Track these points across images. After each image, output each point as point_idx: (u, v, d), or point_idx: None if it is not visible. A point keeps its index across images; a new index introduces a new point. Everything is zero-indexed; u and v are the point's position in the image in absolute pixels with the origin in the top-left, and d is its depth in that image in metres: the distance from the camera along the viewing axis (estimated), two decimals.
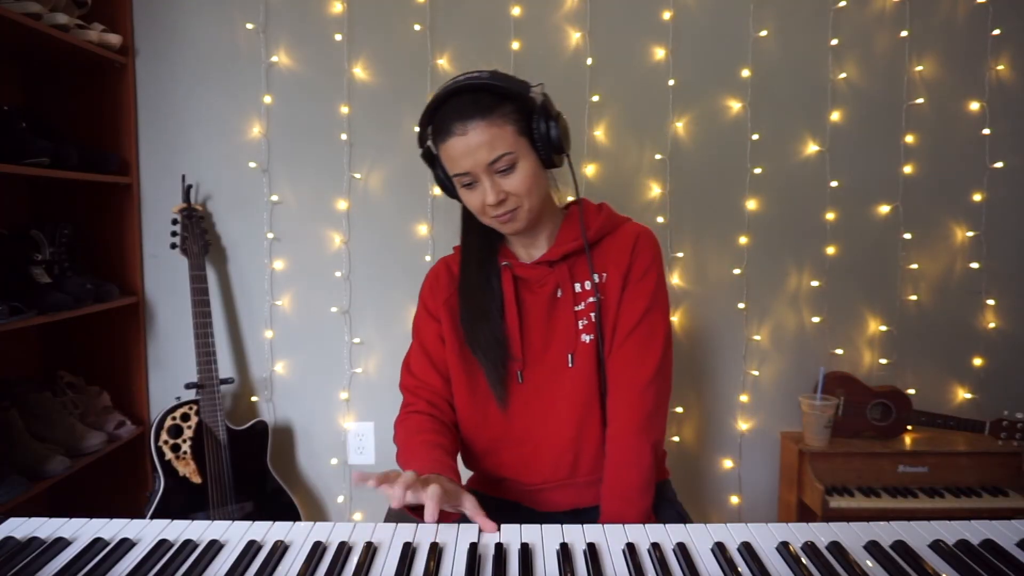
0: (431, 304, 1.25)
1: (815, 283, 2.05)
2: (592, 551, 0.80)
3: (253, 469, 1.95)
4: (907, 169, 2.02)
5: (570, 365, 1.17)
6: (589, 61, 1.99)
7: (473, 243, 1.22)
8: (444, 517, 0.91)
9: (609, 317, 1.16)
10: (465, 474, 1.19)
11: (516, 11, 1.98)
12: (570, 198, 1.28)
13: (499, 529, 0.88)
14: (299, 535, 0.85)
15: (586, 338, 1.16)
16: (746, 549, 0.80)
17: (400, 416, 1.22)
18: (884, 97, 2.00)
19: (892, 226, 2.04)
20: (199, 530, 0.86)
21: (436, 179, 1.17)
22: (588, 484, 1.18)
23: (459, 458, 1.21)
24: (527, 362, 1.18)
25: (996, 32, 1.97)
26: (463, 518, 0.93)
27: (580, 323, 1.17)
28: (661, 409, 1.15)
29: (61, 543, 0.83)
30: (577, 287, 1.18)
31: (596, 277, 1.17)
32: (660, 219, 2.03)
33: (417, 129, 1.14)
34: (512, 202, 1.09)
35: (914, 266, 2.04)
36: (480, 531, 0.87)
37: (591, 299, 1.17)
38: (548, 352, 1.18)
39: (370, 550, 0.81)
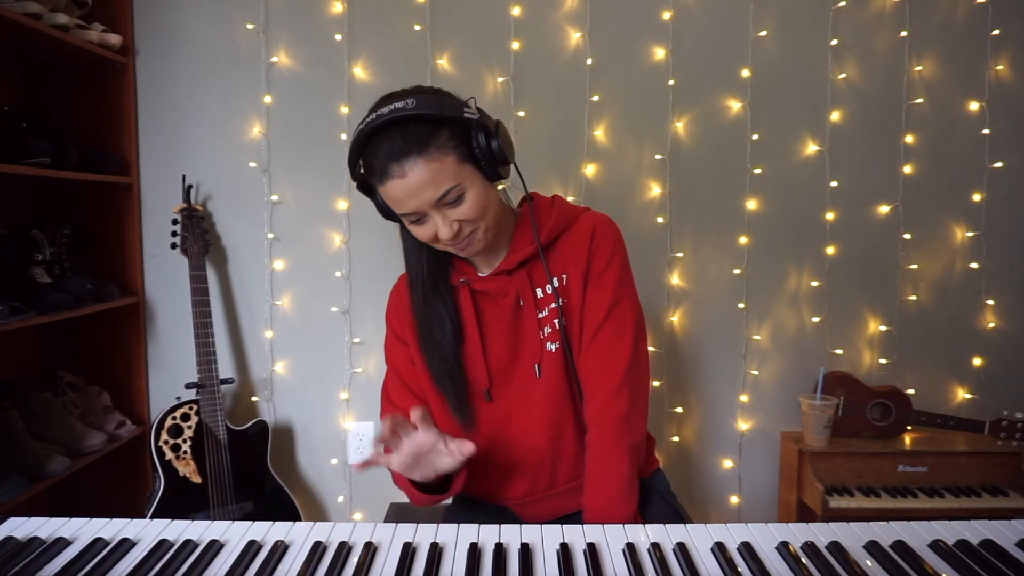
0: (397, 327, 1.21)
1: (815, 283, 2.05)
2: (592, 551, 0.80)
3: (253, 469, 1.95)
4: (907, 169, 2.02)
5: (538, 376, 1.13)
6: (589, 61, 1.99)
7: (415, 264, 1.15)
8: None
9: (574, 321, 1.12)
10: None
11: (516, 11, 1.98)
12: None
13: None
14: (299, 535, 0.85)
15: (551, 346, 1.12)
16: (746, 549, 0.80)
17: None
18: (884, 97, 2.00)
19: (892, 226, 2.04)
20: (199, 530, 0.86)
21: (376, 207, 1.08)
22: (569, 491, 1.16)
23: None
24: (494, 379, 1.14)
25: (996, 32, 1.97)
26: (461, 516, 0.93)
27: (544, 331, 1.12)
28: (638, 408, 1.11)
29: (61, 543, 0.83)
30: (539, 292, 1.13)
31: (556, 281, 1.12)
32: (660, 219, 2.04)
33: (348, 166, 1.05)
34: (467, 228, 1.03)
35: (914, 266, 2.04)
36: (480, 531, 0.86)
37: (553, 305, 1.12)
38: (517, 364, 1.14)
39: (370, 550, 0.81)
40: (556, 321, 1.11)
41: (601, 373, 1.10)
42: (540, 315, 1.12)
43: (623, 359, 1.09)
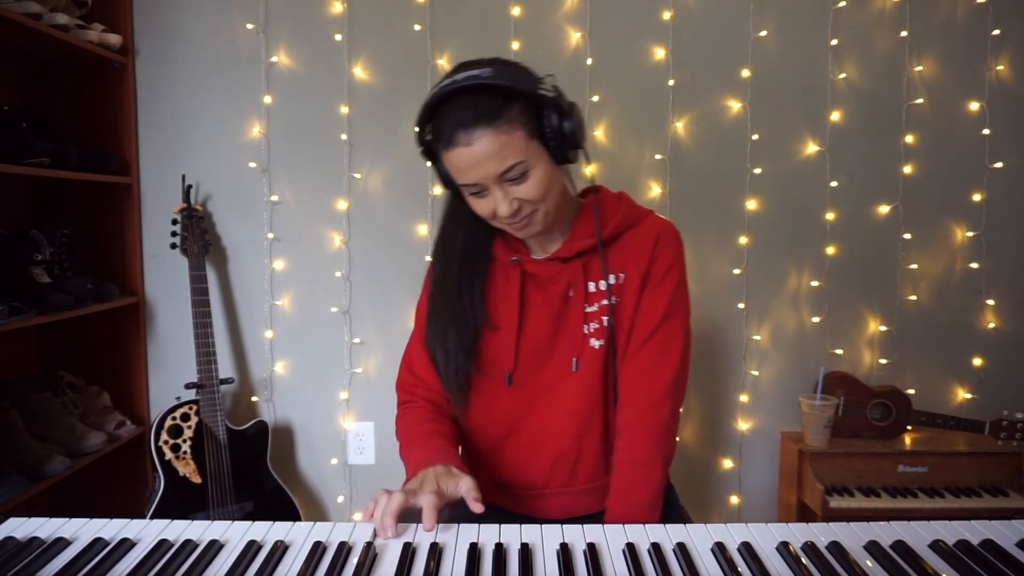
0: None
1: (815, 283, 2.05)
2: (592, 551, 0.80)
3: (253, 469, 1.95)
4: (907, 169, 2.02)
5: (574, 370, 1.10)
6: (589, 61, 1.99)
7: (457, 235, 1.12)
8: (444, 509, 0.92)
9: (624, 322, 1.09)
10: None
11: (516, 11, 1.98)
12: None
13: (496, 521, 0.88)
14: (299, 535, 0.85)
15: (595, 343, 1.09)
16: (746, 549, 0.80)
17: (399, 412, 1.20)
18: (884, 97, 2.00)
19: (892, 226, 2.04)
20: (199, 530, 0.86)
21: (438, 175, 1.07)
22: (586, 492, 1.15)
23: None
24: (520, 364, 1.12)
25: (996, 32, 1.97)
26: (463, 518, 0.93)
27: (590, 326, 1.10)
28: (675, 422, 1.09)
29: (61, 543, 0.83)
30: (591, 287, 1.10)
31: (612, 278, 1.09)
32: None
33: (416, 129, 1.06)
34: (527, 208, 1.01)
35: (914, 266, 2.04)
36: (480, 531, 0.86)
37: (604, 301, 1.09)
38: (552, 354, 1.12)
39: (370, 550, 0.81)
40: (604, 319, 1.09)
41: (645, 380, 1.08)
42: (588, 309, 1.10)
43: (670, 370, 1.08)
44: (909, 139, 2.01)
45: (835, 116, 2.01)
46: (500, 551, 0.80)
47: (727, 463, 2.11)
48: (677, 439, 2.08)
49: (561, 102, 0.99)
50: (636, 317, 1.09)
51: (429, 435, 1.08)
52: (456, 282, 1.11)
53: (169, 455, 1.85)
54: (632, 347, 1.09)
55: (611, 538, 0.84)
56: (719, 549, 0.80)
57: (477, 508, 0.90)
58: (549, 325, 1.11)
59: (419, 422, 1.13)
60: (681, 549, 0.81)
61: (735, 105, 2.01)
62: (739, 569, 0.77)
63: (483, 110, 0.94)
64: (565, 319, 1.11)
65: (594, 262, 1.10)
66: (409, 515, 0.93)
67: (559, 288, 1.10)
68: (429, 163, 1.07)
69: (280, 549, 0.81)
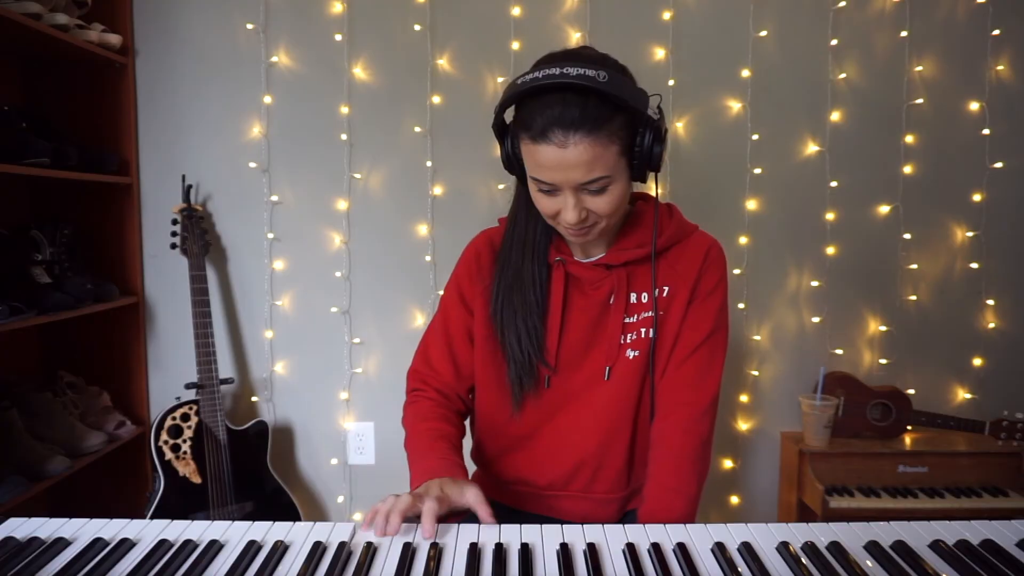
0: (467, 291, 1.14)
1: (815, 283, 2.05)
2: (592, 551, 0.80)
3: (253, 469, 1.95)
4: (907, 169, 2.02)
5: (606, 379, 1.09)
6: None
7: (531, 227, 1.09)
8: (447, 519, 0.91)
9: (666, 337, 1.07)
10: (471, 468, 1.19)
11: (516, 11, 1.98)
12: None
13: (498, 524, 0.88)
14: (299, 535, 0.85)
15: (631, 353, 1.07)
16: (746, 549, 0.80)
17: (408, 400, 1.18)
18: (884, 97, 2.00)
19: (892, 226, 2.04)
20: (199, 530, 0.86)
21: (503, 154, 1.02)
22: (606, 501, 1.13)
23: (468, 455, 1.18)
24: (560, 367, 1.10)
25: (996, 32, 1.97)
26: (468, 518, 0.92)
27: (628, 336, 1.08)
28: (712, 438, 1.08)
29: (61, 543, 0.83)
30: (632, 297, 1.08)
31: (656, 291, 1.07)
32: None
33: (499, 106, 0.97)
34: (592, 219, 0.98)
35: (914, 266, 2.04)
36: (480, 531, 0.86)
37: (647, 314, 1.07)
38: (585, 360, 1.10)
39: (370, 550, 0.81)
40: (643, 331, 1.07)
41: (687, 395, 1.07)
42: (627, 320, 1.08)
43: (712, 387, 1.07)
44: (909, 139, 2.01)
45: (835, 116, 2.01)
46: (500, 551, 0.80)
47: (727, 463, 2.11)
48: None
49: (662, 125, 0.96)
50: (681, 332, 1.07)
51: (435, 438, 1.07)
52: (531, 274, 1.08)
53: (169, 455, 1.85)
54: (674, 362, 1.07)
55: (611, 538, 0.84)
56: (719, 549, 0.80)
57: (490, 521, 0.88)
58: (586, 331, 1.09)
59: (427, 419, 1.11)
60: (681, 549, 0.81)
61: (735, 105, 2.01)
62: (739, 569, 0.77)
63: (590, 116, 0.89)
64: (603, 326, 1.09)
65: (639, 272, 1.08)
66: (408, 516, 0.93)
67: (600, 294, 1.08)
68: (498, 141, 1.02)
69: (280, 549, 0.81)
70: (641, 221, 1.10)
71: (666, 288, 1.08)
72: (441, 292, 1.46)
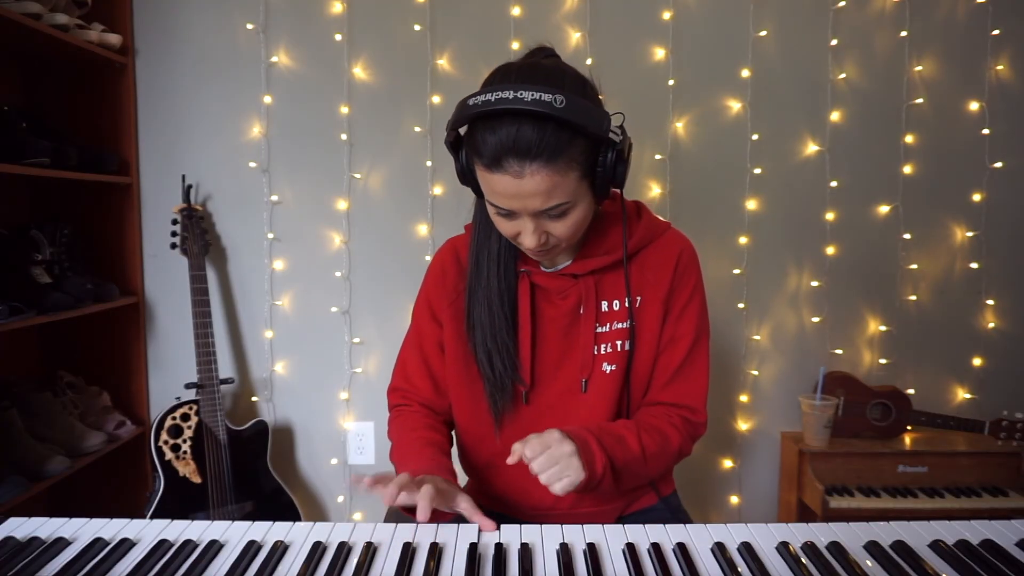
0: (435, 303, 1.11)
1: (815, 283, 2.05)
2: (592, 551, 0.80)
3: (253, 469, 1.95)
4: (907, 169, 2.02)
5: (583, 391, 1.05)
6: (589, 61, 1.99)
7: (494, 239, 1.04)
8: (438, 516, 0.90)
9: (642, 347, 1.04)
10: (463, 478, 1.18)
11: (516, 11, 1.98)
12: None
13: (498, 528, 0.87)
14: (299, 535, 0.85)
15: (607, 367, 1.04)
16: (746, 549, 0.80)
17: (392, 415, 1.16)
18: (884, 97, 2.00)
19: (892, 226, 2.04)
20: (199, 530, 0.86)
21: (458, 169, 0.95)
22: (595, 514, 1.10)
23: (458, 461, 1.16)
24: (536, 382, 1.06)
25: (996, 32, 1.97)
26: (459, 518, 0.92)
27: (602, 348, 1.04)
28: (701, 433, 1.09)
29: (61, 543, 0.83)
30: (604, 306, 1.04)
31: (629, 300, 1.03)
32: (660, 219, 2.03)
33: (451, 125, 0.91)
34: (553, 241, 0.95)
35: (914, 266, 2.04)
36: (480, 531, 0.87)
37: (620, 324, 1.03)
38: (560, 372, 1.06)
39: (370, 550, 0.81)
40: (619, 343, 1.04)
41: (684, 402, 1.06)
42: (600, 329, 1.04)
43: (703, 384, 1.07)
44: (909, 139, 2.01)
45: (835, 116, 2.01)
46: (500, 551, 0.80)
47: (727, 463, 2.11)
48: None
49: (624, 146, 0.91)
50: (662, 346, 1.05)
51: (424, 444, 1.04)
52: (497, 289, 1.04)
53: (169, 455, 1.85)
54: (657, 383, 1.06)
55: (611, 538, 0.84)
56: (719, 549, 0.80)
57: (488, 525, 0.87)
58: (557, 341, 1.06)
59: (414, 428, 1.09)
60: (681, 549, 0.81)
61: (735, 105, 2.01)
62: (739, 569, 0.77)
63: (547, 145, 0.84)
64: (574, 336, 1.05)
65: (608, 280, 1.05)
66: (406, 516, 0.93)
67: (568, 304, 1.05)
68: (452, 155, 0.97)
69: (280, 549, 0.81)
70: (608, 224, 1.05)
71: (639, 298, 1.04)
72: None
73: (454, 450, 1.16)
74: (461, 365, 1.09)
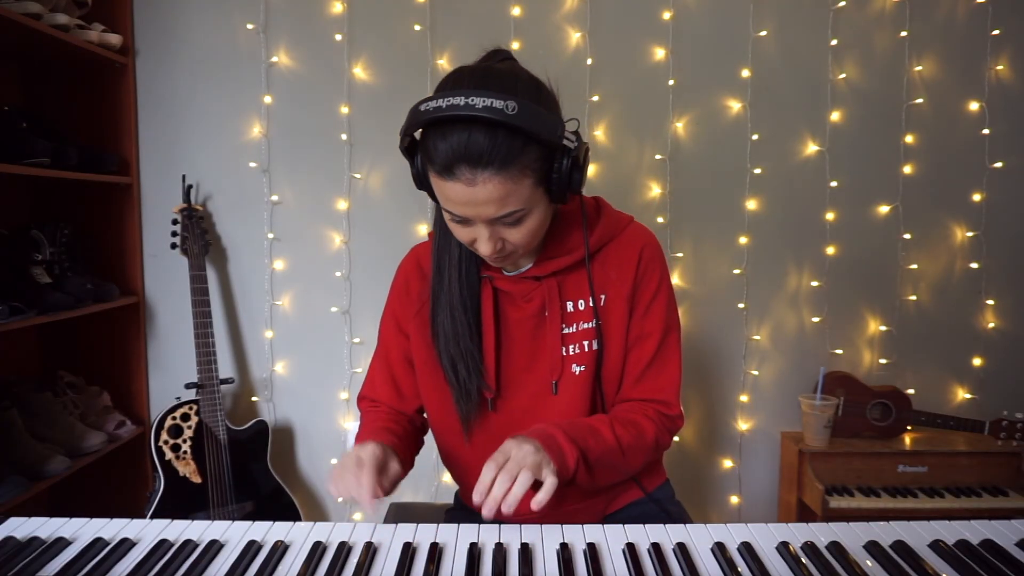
0: (400, 315, 1.11)
1: (815, 283, 2.05)
2: (592, 551, 0.80)
3: (253, 469, 1.95)
4: (907, 169, 2.02)
5: (554, 393, 1.04)
6: (589, 61, 1.99)
7: (454, 245, 1.02)
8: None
9: (610, 346, 1.03)
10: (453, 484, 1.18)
11: (516, 11, 1.98)
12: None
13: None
14: (299, 535, 0.85)
15: (576, 368, 1.03)
16: (746, 549, 0.80)
17: (361, 419, 1.16)
18: (884, 97, 2.00)
19: (892, 226, 2.04)
20: (199, 530, 0.86)
21: (412, 171, 0.94)
22: (578, 511, 1.08)
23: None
24: (504, 387, 1.05)
25: (996, 32, 1.97)
26: (460, 518, 0.92)
27: (570, 348, 1.03)
28: (678, 426, 1.07)
29: (61, 543, 0.83)
30: (569, 306, 1.03)
31: (593, 300, 1.02)
32: (660, 219, 2.04)
33: (404, 131, 0.90)
34: (510, 247, 0.94)
35: (914, 266, 2.04)
36: (480, 531, 0.86)
37: (586, 324, 1.03)
38: (530, 375, 1.05)
39: (370, 550, 0.81)
40: (587, 343, 1.03)
41: (656, 396, 1.05)
42: (566, 330, 1.03)
43: (674, 378, 1.05)
44: (909, 139, 2.01)
45: (835, 116, 2.01)
46: (500, 551, 0.80)
47: (727, 463, 2.11)
48: (676, 439, 2.08)
49: (579, 152, 0.90)
50: (630, 344, 1.04)
51: (381, 432, 1.03)
52: (459, 296, 1.03)
53: (169, 455, 1.85)
54: (628, 380, 1.05)
55: (611, 538, 0.84)
56: (719, 549, 0.80)
57: (488, 513, 0.85)
58: (525, 345, 1.05)
59: (375, 421, 1.09)
60: (681, 549, 0.81)
61: (735, 105, 2.01)
62: (739, 569, 0.77)
63: (499, 152, 0.83)
64: (541, 339, 1.04)
65: (570, 280, 1.04)
66: (410, 515, 0.93)
67: (532, 307, 1.04)
68: (408, 159, 0.94)
69: (280, 549, 0.81)
70: (568, 224, 1.04)
71: (603, 296, 1.04)
72: None
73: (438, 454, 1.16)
74: (430, 373, 1.07)
